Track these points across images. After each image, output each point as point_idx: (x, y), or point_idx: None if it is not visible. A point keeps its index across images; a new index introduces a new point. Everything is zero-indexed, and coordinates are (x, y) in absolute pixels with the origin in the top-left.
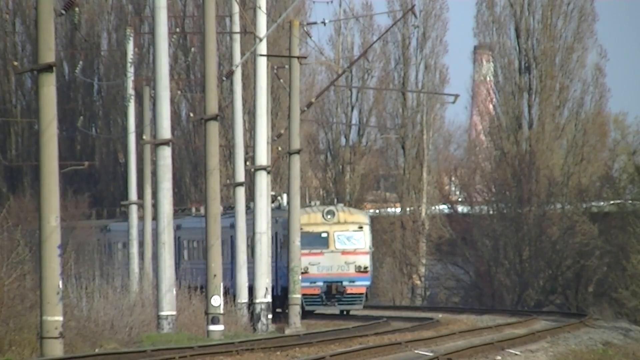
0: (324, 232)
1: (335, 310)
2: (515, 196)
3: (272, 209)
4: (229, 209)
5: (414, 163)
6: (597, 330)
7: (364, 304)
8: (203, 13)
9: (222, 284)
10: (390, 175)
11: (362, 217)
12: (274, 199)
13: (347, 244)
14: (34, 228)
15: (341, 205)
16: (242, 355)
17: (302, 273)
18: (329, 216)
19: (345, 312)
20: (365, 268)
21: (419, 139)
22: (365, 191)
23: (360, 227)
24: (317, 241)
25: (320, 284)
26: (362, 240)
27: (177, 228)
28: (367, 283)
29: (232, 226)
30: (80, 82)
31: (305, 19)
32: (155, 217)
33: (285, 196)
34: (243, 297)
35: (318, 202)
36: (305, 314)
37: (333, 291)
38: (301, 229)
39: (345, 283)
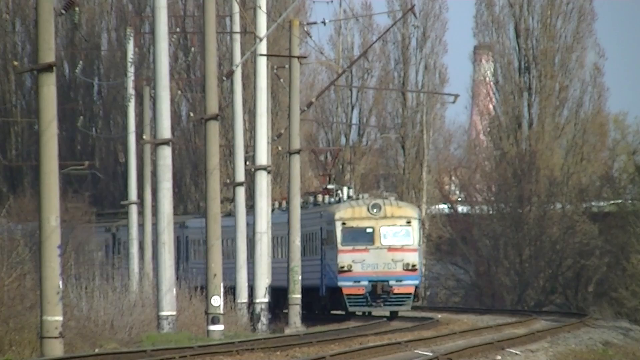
0: (369, 227)
1: (382, 312)
2: (515, 196)
3: (326, 204)
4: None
5: (414, 163)
6: (597, 330)
7: (412, 305)
8: (203, 13)
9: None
10: (390, 175)
11: (411, 211)
12: (333, 192)
13: (395, 240)
14: (34, 228)
15: (394, 198)
16: (242, 355)
17: (346, 271)
18: (374, 210)
19: (392, 314)
20: (414, 266)
21: (419, 138)
22: (365, 191)
23: (409, 222)
24: (361, 237)
25: (365, 283)
26: (411, 235)
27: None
28: (416, 282)
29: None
30: (80, 82)
31: (305, 19)
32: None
33: (345, 189)
34: (243, 297)
35: (367, 195)
36: (347, 316)
37: (378, 291)
38: (344, 223)
39: (392, 282)
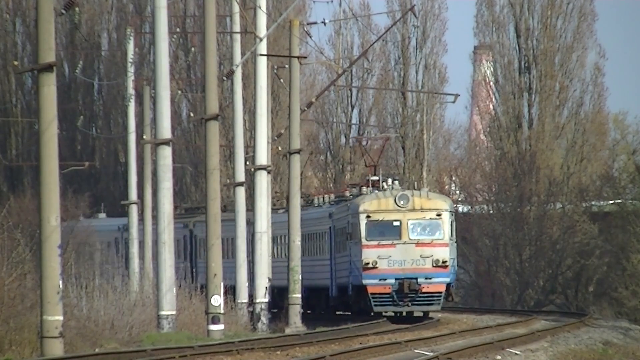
0: (396, 220)
1: (419, 312)
2: (516, 196)
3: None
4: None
5: (414, 162)
6: (597, 329)
7: (443, 305)
8: (203, 13)
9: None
10: (390, 175)
11: (442, 203)
12: (377, 184)
13: (424, 234)
14: (34, 228)
15: (426, 190)
16: (242, 355)
17: (370, 268)
18: (402, 202)
19: (423, 314)
20: (444, 262)
21: (419, 138)
22: None
23: (439, 215)
24: (388, 231)
25: (391, 281)
26: (441, 229)
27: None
28: (447, 280)
29: (330, 216)
30: (80, 81)
31: (305, 19)
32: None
33: (389, 181)
34: (243, 297)
35: (396, 185)
36: (372, 316)
37: (405, 289)
38: (369, 216)
39: (420, 280)
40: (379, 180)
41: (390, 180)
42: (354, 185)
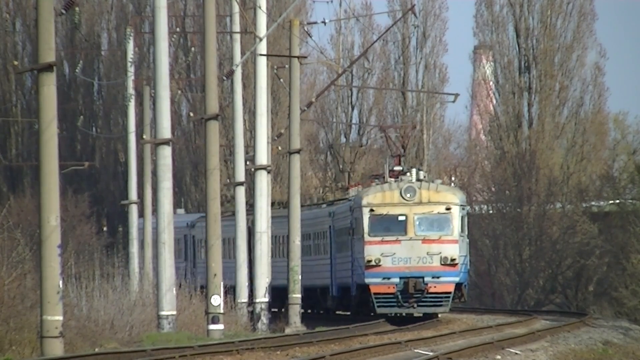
0: (401, 214)
1: (417, 313)
2: (515, 195)
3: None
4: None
5: (414, 162)
6: (597, 329)
7: (451, 306)
8: (203, 13)
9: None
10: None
11: (451, 196)
12: (400, 174)
13: (431, 230)
14: (34, 228)
15: (437, 181)
16: (242, 355)
17: (373, 266)
18: (408, 194)
19: (433, 316)
20: (453, 260)
21: (419, 138)
22: None
23: (448, 208)
24: (392, 226)
25: (396, 280)
26: (450, 224)
27: (332, 215)
28: (456, 279)
29: (350, 209)
30: (80, 81)
31: (305, 19)
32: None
33: (414, 170)
34: (243, 297)
35: (422, 174)
36: (375, 318)
37: (411, 289)
38: (372, 210)
39: (427, 279)
40: (402, 171)
41: (414, 171)
42: (377, 177)
